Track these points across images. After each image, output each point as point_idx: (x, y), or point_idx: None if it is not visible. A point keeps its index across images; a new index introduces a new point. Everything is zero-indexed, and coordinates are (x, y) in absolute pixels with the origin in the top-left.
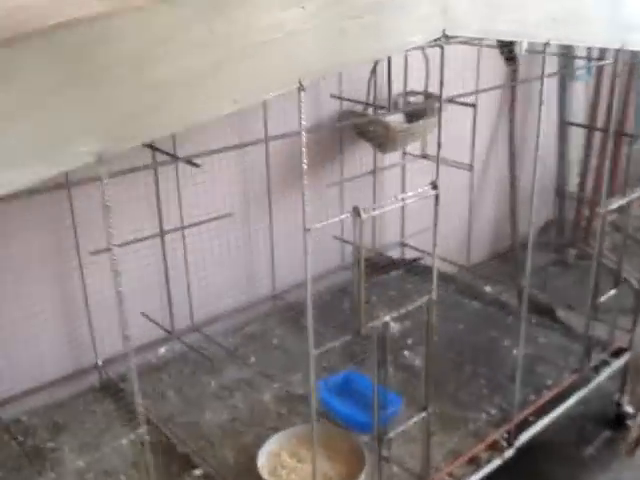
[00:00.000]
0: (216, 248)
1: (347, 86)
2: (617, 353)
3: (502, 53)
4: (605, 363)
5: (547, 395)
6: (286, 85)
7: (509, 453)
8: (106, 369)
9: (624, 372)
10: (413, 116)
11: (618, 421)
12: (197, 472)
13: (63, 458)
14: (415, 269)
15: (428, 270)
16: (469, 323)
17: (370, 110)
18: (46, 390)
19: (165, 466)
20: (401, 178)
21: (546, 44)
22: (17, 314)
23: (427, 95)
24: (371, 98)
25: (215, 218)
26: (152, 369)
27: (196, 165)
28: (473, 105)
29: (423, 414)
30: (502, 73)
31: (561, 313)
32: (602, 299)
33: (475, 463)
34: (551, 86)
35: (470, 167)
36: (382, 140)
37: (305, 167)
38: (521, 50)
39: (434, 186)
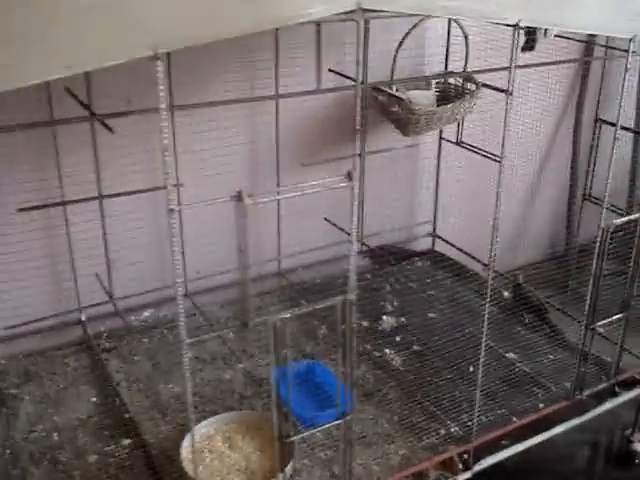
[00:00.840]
0: (218, 218)
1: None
2: (630, 384)
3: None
4: (613, 394)
5: (515, 423)
6: (134, 53)
7: (464, 476)
8: (89, 325)
9: (638, 406)
10: (449, 98)
11: (628, 459)
12: (126, 442)
13: (20, 406)
14: (443, 262)
15: (456, 264)
16: (472, 327)
17: (395, 88)
18: (28, 338)
19: (107, 429)
20: (436, 164)
21: (631, 40)
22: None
23: (466, 78)
24: (397, 75)
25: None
26: (134, 331)
27: (109, 129)
28: (506, 91)
29: (340, 420)
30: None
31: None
32: (600, 323)
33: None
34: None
35: (500, 159)
36: (404, 122)
37: None
38: (548, 35)
39: (349, 177)
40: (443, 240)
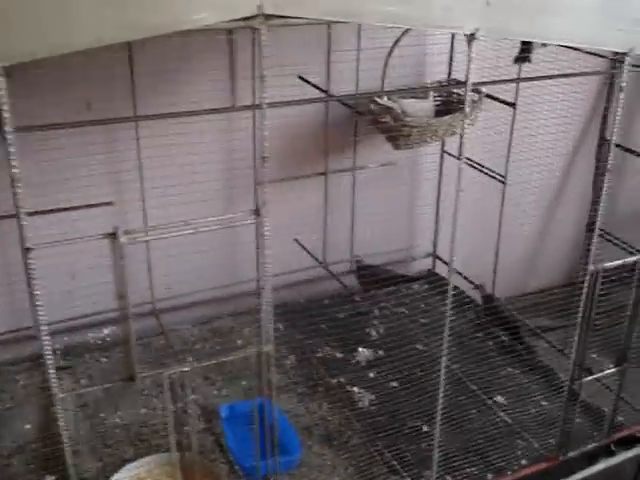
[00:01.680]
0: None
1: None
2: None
3: None
4: (609, 452)
5: None
6: None
7: None
8: None
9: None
10: (451, 110)
11: None
12: (49, 478)
13: None
14: (442, 286)
15: (455, 290)
16: (460, 363)
17: (386, 98)
18: None
19: (38, 460)
20: (437, 179)
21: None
22: None
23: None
24: (387, 84)
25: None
26: (94, 349)
27: None
28: (513, 104)
29: None
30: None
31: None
32: (588, 379)
33: None
34: None
35: (503, 178)
36: (395, 133)
37: None
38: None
39: (257, 212)
40: (443, 262)
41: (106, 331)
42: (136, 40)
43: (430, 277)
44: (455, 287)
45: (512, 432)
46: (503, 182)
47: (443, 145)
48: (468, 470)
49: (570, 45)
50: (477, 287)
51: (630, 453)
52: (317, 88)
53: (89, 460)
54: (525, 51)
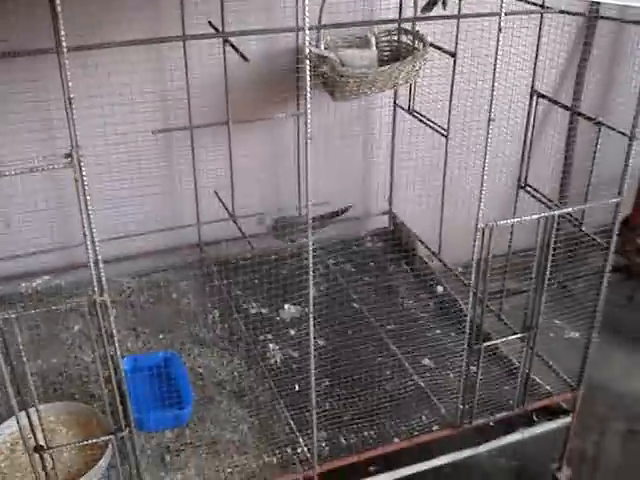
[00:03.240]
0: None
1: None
2: (553, 412)
3: None
4: (529, 422)
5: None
6: None
7: None
8: None
9: (565, 439)
10: (399, 59)
11: None
12: None
13: None
14: (397, 245)
15: (409, 249)
16: (392, 324)
17: (323, 45)
18: None
19: None
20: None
21: None
22: None
23: (416, 36)
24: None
25: None
26: (26, 298)
27: None
28: (453, 55)
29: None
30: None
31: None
32: (487, 344)
33: None
34: None
35: (446, 132)
36: (331, 84)
37: None
38: None
39: (69, 156)
40: (398, 220)
41: (39, 281)
42: None
43: (385, 235)
44: (410, 247)
45: (423, 396)
46: (445, 136)
47: (395, 96)
48: (366, 433)
49: None
50: (434, 254)
51: (554, 424)
52: None
53: None
54: None
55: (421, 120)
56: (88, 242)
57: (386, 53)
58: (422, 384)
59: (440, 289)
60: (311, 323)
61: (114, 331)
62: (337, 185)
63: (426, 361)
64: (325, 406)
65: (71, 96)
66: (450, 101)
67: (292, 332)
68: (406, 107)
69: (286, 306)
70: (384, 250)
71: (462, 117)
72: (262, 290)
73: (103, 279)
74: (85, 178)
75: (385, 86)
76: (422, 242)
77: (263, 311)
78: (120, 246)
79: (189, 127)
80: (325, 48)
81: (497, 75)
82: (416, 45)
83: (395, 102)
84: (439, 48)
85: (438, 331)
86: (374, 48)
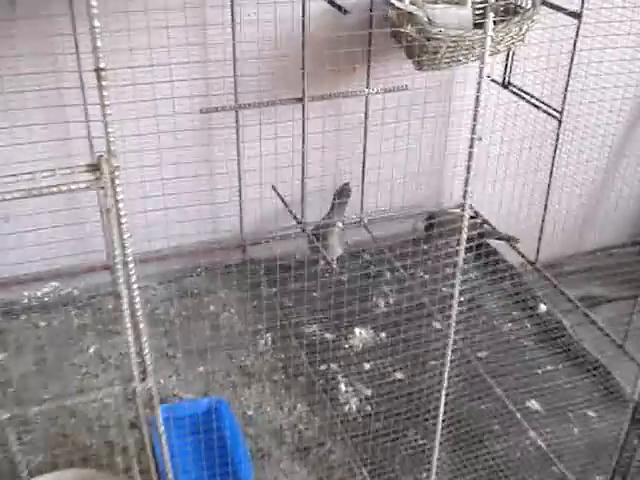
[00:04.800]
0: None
1: None
2: None
3: None
4: None
5: None
6: None
7: None
8: None
9: None
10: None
11: None
12: None
13: None
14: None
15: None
16: (488, 351)
17: (407, 1)
18: None
19: None
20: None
21: None
22: None
23: None
24: None
25: None
26: (28, 310)
27: None
28: (578, 15)
29: None
30: None
31: None
32: None
33: None
34: None
35: (559, 114)
36: (418, 49)
37: None
38: None
39: (97, 168)
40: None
41: (46, 289)
42: None
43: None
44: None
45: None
46: (558, 119)
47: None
48: None
49: None
50: (530, 263)
51: None
52: None
53: None
54: None
55: (522, 97)
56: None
57: (478, 12)
58: (541, 443)
59: (543, 308)
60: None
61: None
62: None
63: (534, 405)
64: (420, 471)
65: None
66: (569, 74)
67: (367, 366)
68: (499, 80)
69: (357, 330)
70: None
71: (579, 96)
72: (324, 305)
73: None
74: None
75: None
76: (514, 246)
77: (327, 336)
78: (143, 243)
79: (235, 107)
80: (411, 3)
81: None
82: (521, 2)
83: (480, 73)
84: (557, 8)
85: (549, 367)
86: (469, 5)
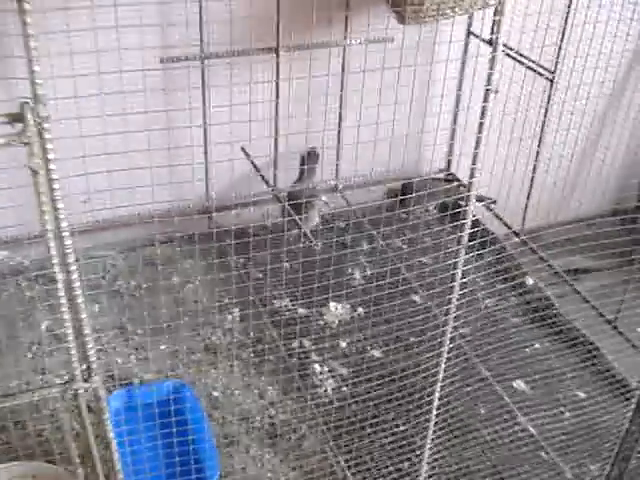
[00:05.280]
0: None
1: None
2: None
3: None
4: None
5: None
6: None
7: None
8: None
9: None
10: None
11: None
12: None
13: None
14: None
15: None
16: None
17: None
18: None
19: None
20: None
21: None
22: None
23: None
24: None
25: None
26: None
27: None
28: None
29: None
30: None
31: None
32: None
33: None
34: None
35: (551, 74)
36: (402, 2)
37: None
38: None
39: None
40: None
41: None
42: None
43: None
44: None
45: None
46: (550, 80)
47: (470, 24)
48: None
49: None
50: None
51: None
52: None
53: None
54: None
55: (512, 56)
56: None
57: None
58: (531, 429)
59: (529, 281)
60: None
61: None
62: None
63: (521, 385)
64: (402, 461)
65: None
66: (563, 32)
67: (343, 343)
68: (486, 38)
69: (332, 305)
70: (442, 221)
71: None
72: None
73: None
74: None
75: (473, 5)
76: (498, 216)
77: (301, 311)
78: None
79: (201, 56)
80: None
81: None
82: None
83: (469, 30)
84: None
85: (536, 344)
86: None
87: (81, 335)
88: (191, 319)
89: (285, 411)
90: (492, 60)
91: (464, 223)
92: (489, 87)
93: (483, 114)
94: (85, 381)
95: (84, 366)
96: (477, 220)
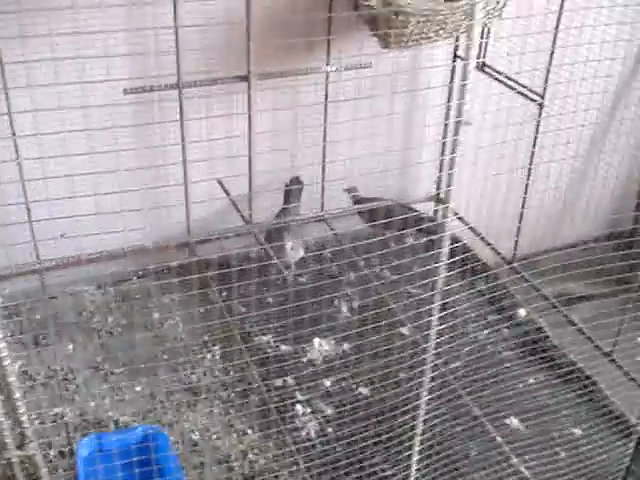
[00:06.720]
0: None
1: None
2: None
3: None
4: None
5: None
6: None
7: None
8: None
9: None
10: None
11: None
12: None
13: None
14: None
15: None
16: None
17: None
18: None
19: None
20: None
21: None
22: None
23: None
24: None
25: None
26: None
27: None
28: None
29: None
30: None
31: None
32: None
33: None
34: None
35: (540, 98)
36: (383, 25)
37: None
38: None
39: None
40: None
41: None
42: None
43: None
44: (462, 244)
45: None
46: (540, 104)
47: (456, 47)
48: None
49: None
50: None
51: None
52: None
53: None
54: None
55: (500, 80)
56: None
57: None
58: (525, 471)
59: (522, 313)
60: None
61: None
62: (371, 163)
63: (515, 423)
64: None
65: None
66: (552, 54)
67: (327, 382)
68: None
69: (316, 341)
70: (429, 248)
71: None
72: (279, 313)
73: None
74: None
75: (458, 29)
76: (489, 243)
77: (283, 348)
78: (77, 243)
79: (176, 85)
80: None
81: None
82: None
83: (455, 54)
84: None
85: (530, 379)
86: None
87: (11, 398)
88: (170, 357)
89: (266, 455)
90: (462, 88)
91: (441, 239)
92: (460, 119)
93: (454, 149)
94: (18, 448)
95: (17, 431)
96: (468, 248)
